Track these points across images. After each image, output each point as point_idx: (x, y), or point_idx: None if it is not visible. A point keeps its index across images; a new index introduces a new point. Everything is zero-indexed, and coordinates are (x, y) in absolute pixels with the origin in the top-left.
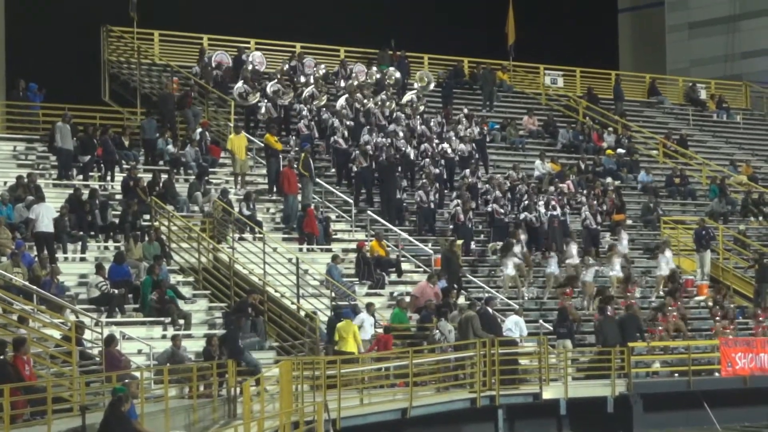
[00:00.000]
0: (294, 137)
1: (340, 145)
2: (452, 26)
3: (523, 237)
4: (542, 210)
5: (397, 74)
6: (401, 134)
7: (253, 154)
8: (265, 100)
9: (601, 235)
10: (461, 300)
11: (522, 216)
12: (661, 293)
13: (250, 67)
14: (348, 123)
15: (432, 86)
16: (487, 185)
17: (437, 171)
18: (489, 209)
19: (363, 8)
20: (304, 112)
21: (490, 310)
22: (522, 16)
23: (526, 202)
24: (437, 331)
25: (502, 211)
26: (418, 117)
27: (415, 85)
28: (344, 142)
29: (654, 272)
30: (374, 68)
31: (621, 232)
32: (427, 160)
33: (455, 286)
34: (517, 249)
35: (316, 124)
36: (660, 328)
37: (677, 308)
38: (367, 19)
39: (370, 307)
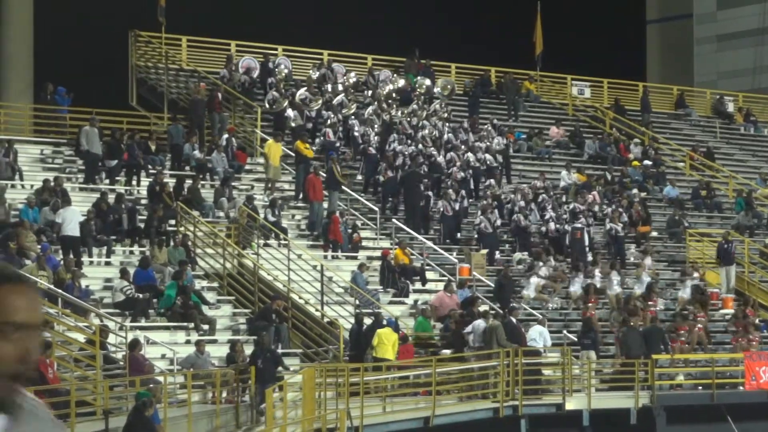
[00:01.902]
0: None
1: (372, 152)
2: (480, 35)
3: (549, 256)
4: (567, 218)
5: (428, 82)
6: (430, 142)
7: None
8: (293, 109)
9: (626, 246)
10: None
11: (548, 227)
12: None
13: (284, 73)
14: (376, 132)
15: (453, 93)
16: (511, 195)
17: (461, 176)
18: (514, 219)
19: (390, 17)
20: (333, 119)
21: (514, 320)
22: (550, 26)
23: (552, 213)
24: (471, 329)
25: (525, 221)
26: (445, 125)
27: (436, 91)
28: (375, 149)
29: (678, 285)
30: (397, 76)
31: (646, 257)
32: (454, 168)
33: (505, 310)
34: (542, 272)
35: (342, 132)
36: (682, 339)
37: (704, 320)
38: (394, 27)
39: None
